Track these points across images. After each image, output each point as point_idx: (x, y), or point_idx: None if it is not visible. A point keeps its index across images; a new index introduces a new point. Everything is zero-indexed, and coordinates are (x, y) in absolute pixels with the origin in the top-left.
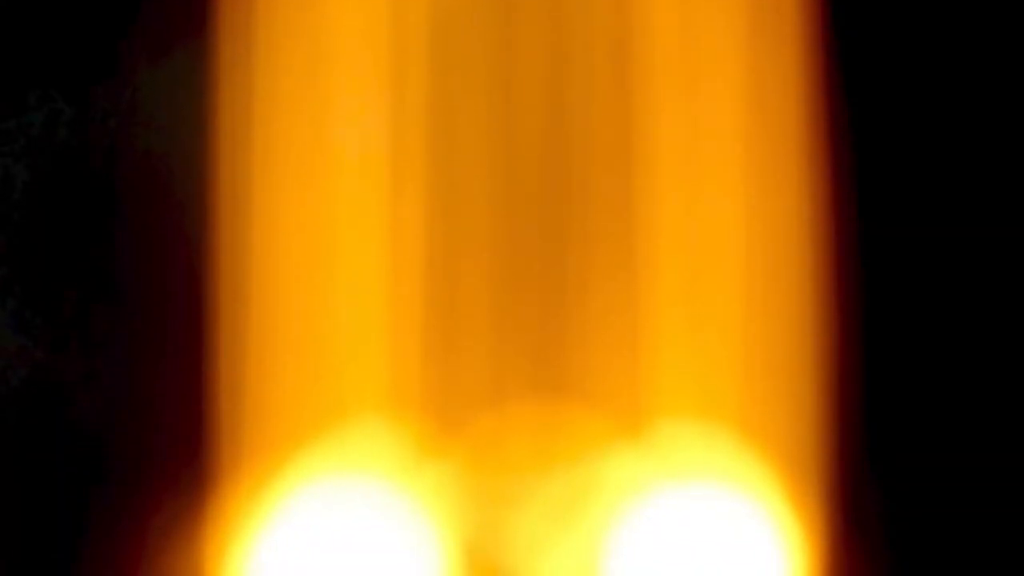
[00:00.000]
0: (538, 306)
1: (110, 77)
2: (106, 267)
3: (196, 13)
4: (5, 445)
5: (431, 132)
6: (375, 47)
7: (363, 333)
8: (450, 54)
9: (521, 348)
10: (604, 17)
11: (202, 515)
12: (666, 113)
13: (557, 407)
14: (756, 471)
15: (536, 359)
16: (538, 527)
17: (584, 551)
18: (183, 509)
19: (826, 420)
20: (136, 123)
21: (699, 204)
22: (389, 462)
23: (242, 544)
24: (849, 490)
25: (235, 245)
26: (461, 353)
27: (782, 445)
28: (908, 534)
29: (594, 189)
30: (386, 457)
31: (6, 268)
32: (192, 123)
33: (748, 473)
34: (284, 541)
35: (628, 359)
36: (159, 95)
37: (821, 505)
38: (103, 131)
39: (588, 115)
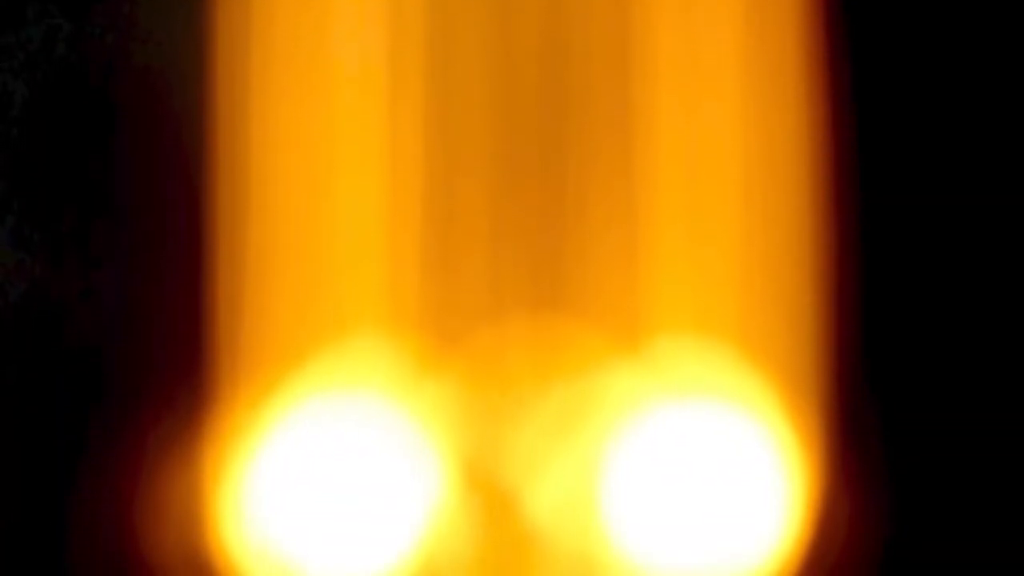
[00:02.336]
0: (536, 221)
1: None
2: (105, 183)
3: None
4: (3, 361)
5: (430, 46)
6: None
7: (361, 249)
8: None
9: (519, 263)
10: None
11: (201, 431)
12: (665, 26)
13: (555, 323)
14: (755, 387)
15: (534, 274)
16: (536, 443)
17: (582, 467)
18: (182, 425)
19: (825, 337)
20: (135, 39)
21: (698, 119)
22: (387, 378)
23: (241, 459)
24: (848, 407)
25: (234, 161)
26: (459, 268)
27: (781, 361)
28: (907, 452)
29: (593, 105)
30: (384, 373)
31: (4, 184)
32: (190, 39)
33: (747, 389)
34: (282, 457)
35: (627, 274)
36: (157, 11)
37: (819, 422)
38: (101, 47)
39: (587, 28)
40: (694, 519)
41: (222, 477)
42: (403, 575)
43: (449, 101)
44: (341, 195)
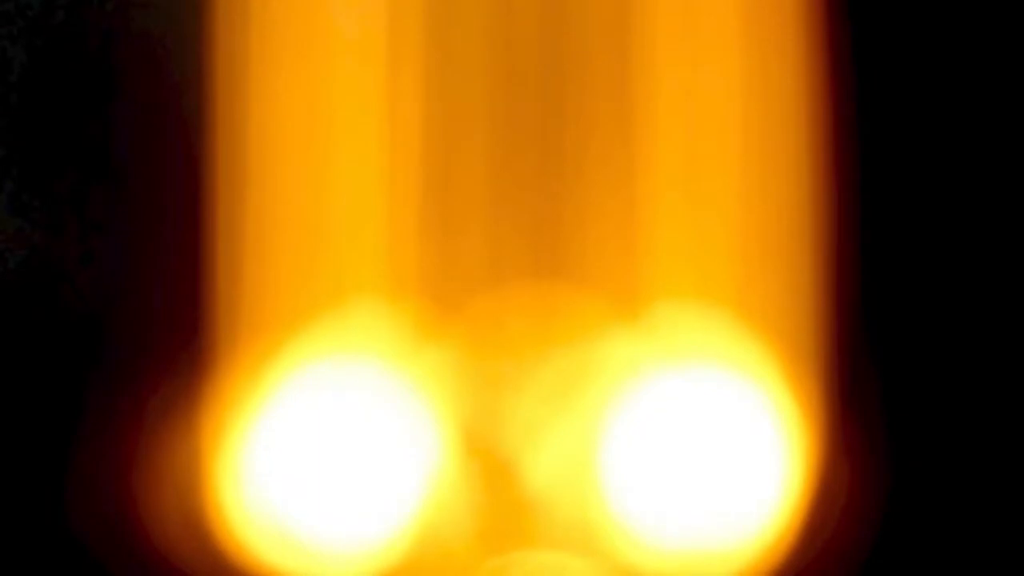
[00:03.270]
0: (536, 188)
1: None
2: (104, 149)
3: None
4: (2, 327)
5: (429, 12)
6: None
7: (360, 215)
8: None
9: (519, 230)
10: None
11: (200, 397)
12: None
13: (555, 289)
14: (754, 354)
15: (534, 241)
16: (535, 410)
17: (581, 434)
18: (181, 391)
19: (825, 303)
20: (134, 5)
21: (698, 84)
22: (386, 344)
23: (240, 425)
24: (847, 374)
25: (232, 126)
26: (458, 235)
27: (781, 327)
28: (906, 419)
29: (592, 71)
30: (383, 339)
31: (3, 150)
32: (189, 5)
33: (746, 356)
34: (281, 423)
35: (626, 241)
36: None
37: (819, 389)
38: (100, 13)
39: None
40: (693, 486)
41: (221, 443)
42: (402, 542)
43: (448, 67)
44: (340, 161)
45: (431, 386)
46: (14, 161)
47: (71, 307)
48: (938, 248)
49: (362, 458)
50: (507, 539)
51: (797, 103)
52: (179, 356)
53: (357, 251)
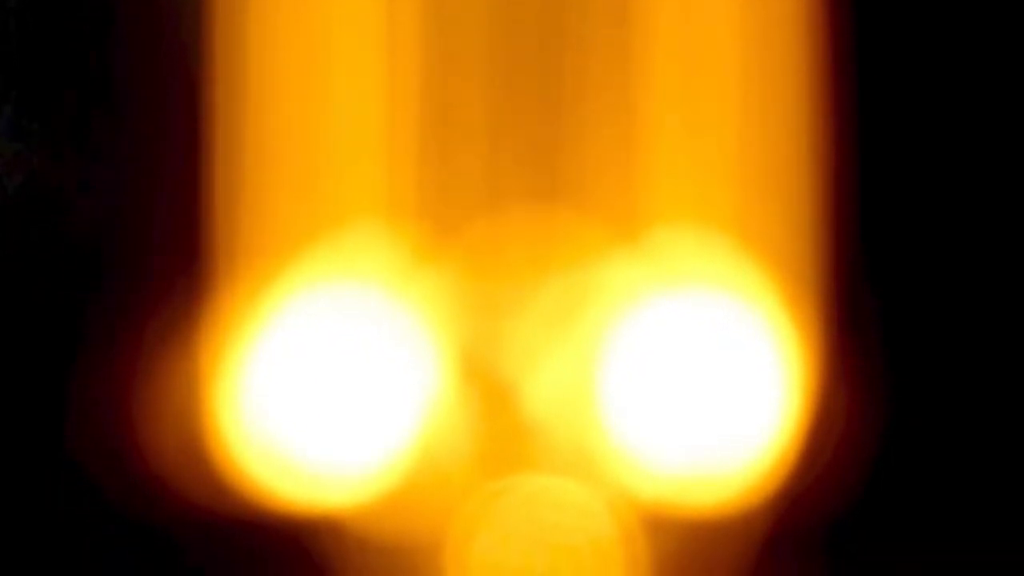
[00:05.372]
0: (534, 112)
1: None
2: (104, 74)
3: None
4: (1, 252)
5: None
6: None
7: (359, 140)
8: None
9: (517, 155)
10: None
11: (199, 322)
12: None
13: (553, 214)
14: (753, 278)
15: (532, 166)
16: (534, 334)
17: (580, 358)
18: (180, 316)
19: (823, 227)
20: None
21: (696, 7)
22: (385, 269)
23: (239, 350)
24: (846, 298)
25: (231, 52)
26: (457, 160)
27: (779, 252)
28: (904, 343)
29: None
30: (382, 264)
31: (2, 75)
32: None
33: (745, 280)
34: (280, 348)
35: (624, 165)
36: None
37: (817, 313)
38: None
39: None
40: (692, 410)
41: (220, 368)
42: (401, 465)
43: None
44: (339, 86)
45: (430, 310)
46: (13, 85)
47: (70, 232)
48: (937, 173)
49: (360, 382)
50: (505, 463)
51: (797, 26)
52: (178, 281)
53: (356, 175)
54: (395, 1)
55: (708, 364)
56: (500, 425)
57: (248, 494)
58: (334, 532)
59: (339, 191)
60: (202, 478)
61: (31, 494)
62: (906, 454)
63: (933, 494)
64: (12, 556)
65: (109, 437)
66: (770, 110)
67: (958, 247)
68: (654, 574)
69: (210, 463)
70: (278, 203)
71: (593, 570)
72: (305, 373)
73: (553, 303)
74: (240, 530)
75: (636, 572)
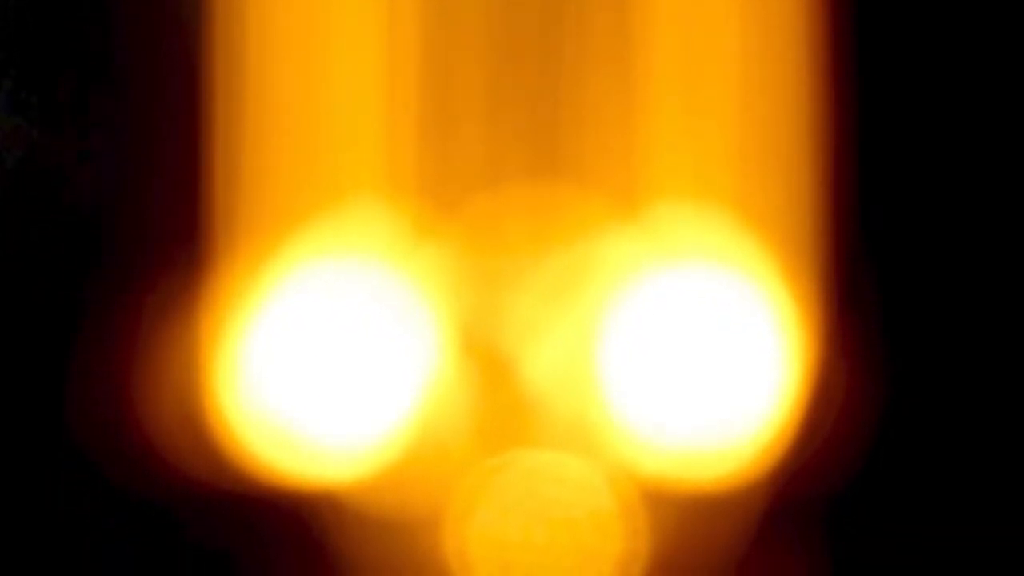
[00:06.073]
0: (534, 86)
1: None
2: (103, 48)
3: None
4: (1, 226)
5: None
6: None
7: (360, 114)
8: None
9: (517, 129)
10: None
11: (199, 295)
12: None
13: (553, 188)
14: (752, 253)
15: (532, 140)
16: (534, 309)
17: (580, 332)
18: (180, 290)
19: (823, 202)
20: None
21: None
22: (385, 243)
23: (238, 324)
24: (845, 273)
25: (232, 26)
26: (457, 134)
27: (779, 226)
28: (903, 318)
29: None
30: (382, 238)
31: (2, 49)
32: None
33: (744, 255)
34: (280, 322)
35: (624, 140)
36: None
37: (817, 288)
38: None
39: None
40: (691, 385)
41: (220, 342)
42: (400, 440)
43: None
44: (339, 61)
45: (429, 285)
46: (13, 59)
47: (70, 205)
48: (937, 149)
49: (359, 357)
50: (504, 438)
51: (797, 2)
52: (178, 255)
53: (356, 150)
54: None
55: (707, 339)
56: (499, 400)
57: (247, 469)
58: (333, 507)
59: (339, 166)
60: (201, 453)
61: (30, 470)
62: (905, 428)
63: (932, 468)
64: (11, 531)
65: (108, 412)
66: (770, 86)
67: (957, 223)
68: (654, 548)
69: (209, 438)
70: (278, 178)
71: (593, 544)
72: (304, 348)
73: (553, 278)
74: (239, 505)
75: (636, 546)
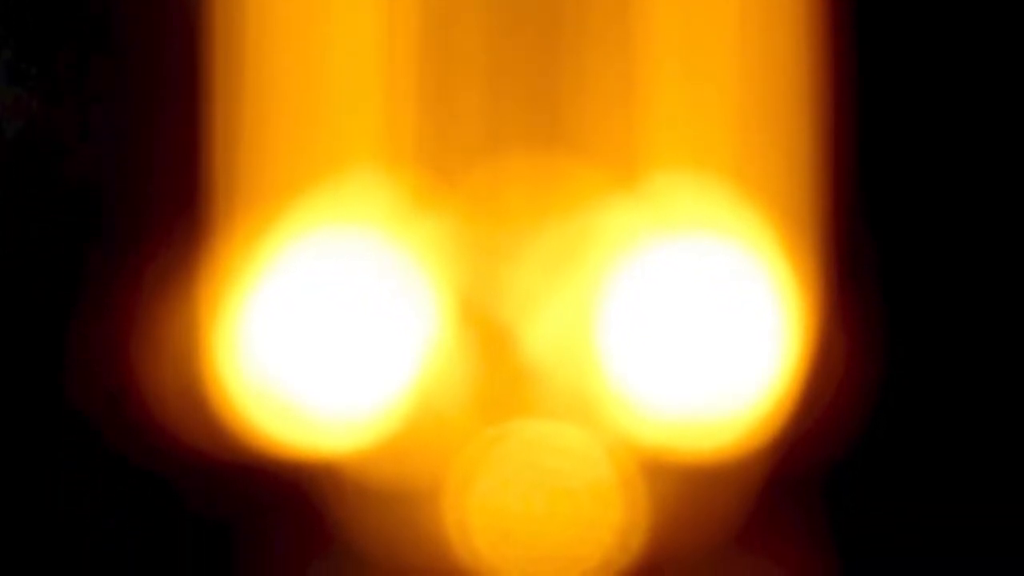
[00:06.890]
0: (534, 57)
1: None
2: (103, 19)
3: None
4: (0, 196)
5: None
6: None
7: (359, 84)
8: None
9: (517, 100)
10: None
11: (198, 266)
12: None
13: (553, 159)
14: (752, 223)
15: (532, 111)
16: (533, 278)
17: (579, 302)
18: (179, 260)
19: (823, 173)
20: None
21: None
22: (384, 213)
23: (238, 294)
24: (845, 244)
25: None
26: (457, 104)
27: (778, 197)
28: (903, 289)
29: None
30: (381, 208)
31: (1, 20)
32: None
33: (744, 226)
34: (279, 292)
35: (624, 110)
36: None
37: (817, 258)
38: None
39: None
40: (691, 355)
41: (219, 312)
42: (400, 410)
43: None
44: (338, 31)
45: (428, 255)
46: (12, 30)
47: (70, 177)
48: (936, 120)
49: (359, 327)
50: (504, 408)
51: None
52: (178, 225)
53: (355, 120)
54: None
55: (707, 309)
56: (499, 370)
57: (247, 439)
58: (333, 477)
59: (338, 137)
60: (201, 423)
61: (30, 438)
62: (904, 400)
63: (930, 441)
64: (12, 500)
65: (108, 382)
66: (770, 57)
67: (957, 193)
68: (652, 518)
69: (209, 408)
70: (277, 148)
71: (592, 514)
72: (304, 318)
73: (552, 249)
74: (239, 475)
75: (634, 516)
